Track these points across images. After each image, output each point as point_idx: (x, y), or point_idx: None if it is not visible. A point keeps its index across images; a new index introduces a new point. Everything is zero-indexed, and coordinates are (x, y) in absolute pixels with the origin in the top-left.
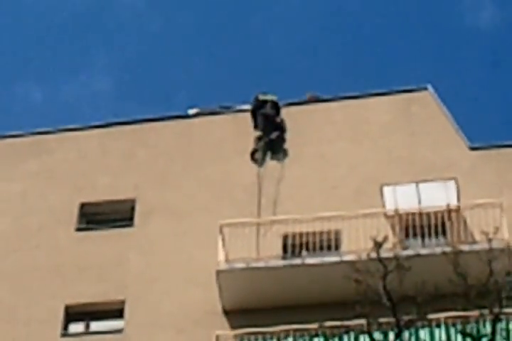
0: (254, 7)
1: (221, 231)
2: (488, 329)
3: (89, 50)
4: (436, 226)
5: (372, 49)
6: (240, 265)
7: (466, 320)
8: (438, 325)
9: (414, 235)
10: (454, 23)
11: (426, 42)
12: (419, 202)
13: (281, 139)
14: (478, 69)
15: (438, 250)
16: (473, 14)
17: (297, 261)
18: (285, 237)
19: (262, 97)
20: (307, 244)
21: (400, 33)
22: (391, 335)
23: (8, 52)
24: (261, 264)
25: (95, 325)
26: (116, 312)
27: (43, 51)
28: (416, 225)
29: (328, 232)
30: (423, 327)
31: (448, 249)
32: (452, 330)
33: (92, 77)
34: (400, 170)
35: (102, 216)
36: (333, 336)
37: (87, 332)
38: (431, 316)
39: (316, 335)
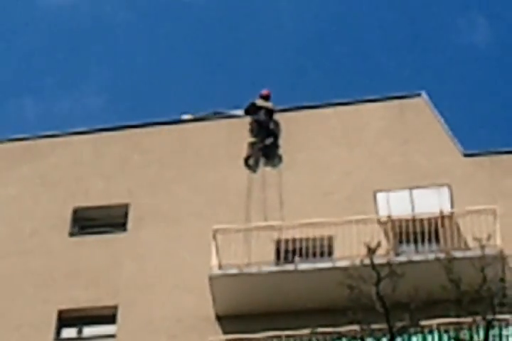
0: (247, 13)
1: (214, 237)
2: (481, 335)
3: (84, 66)
4: (429, 232)
5: (367, 56)
6: (233, 271)
7: (459, 327)
8: (431, 332)
9: (408, 241)
10: (449, 36)
11: (420, 50)
12: (413, 209)
13: (275, 145)
14: (471, 76)
15: (431, 256)
16: (467, 31)
17: (290, 267)
18: (278, 243)
19: (258, 103)
20: (300, 249)
21: (394, 41)
22: None
23: (3, 67)
24: (254, 270)
25: (88, 330)
26: (108, 317)
27: (37, 66)
28: (409, 231)
29: (321, 238)
30: (416, 333)
31: (441, 256)
32: (445, 337)
33: (86, 92)
34: (394, 176)
35: (96, 221)
36: None
37: (80, 338)
38: (424, 322)
39: None
